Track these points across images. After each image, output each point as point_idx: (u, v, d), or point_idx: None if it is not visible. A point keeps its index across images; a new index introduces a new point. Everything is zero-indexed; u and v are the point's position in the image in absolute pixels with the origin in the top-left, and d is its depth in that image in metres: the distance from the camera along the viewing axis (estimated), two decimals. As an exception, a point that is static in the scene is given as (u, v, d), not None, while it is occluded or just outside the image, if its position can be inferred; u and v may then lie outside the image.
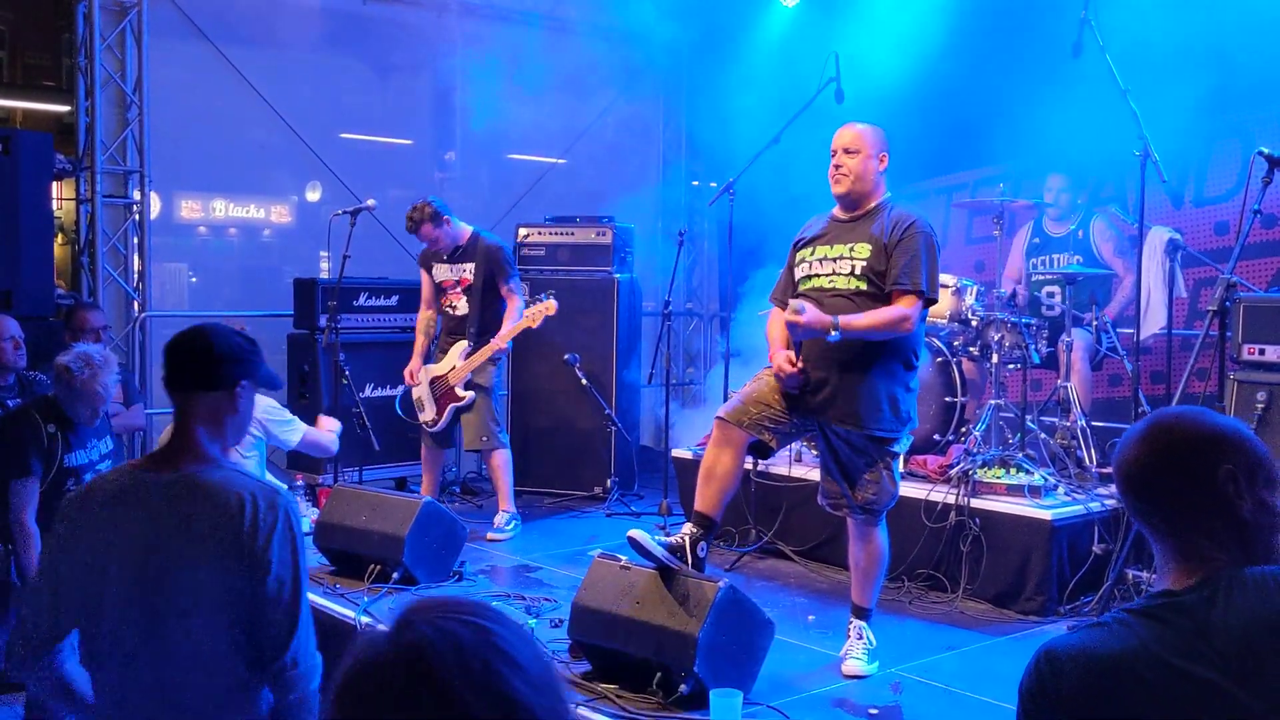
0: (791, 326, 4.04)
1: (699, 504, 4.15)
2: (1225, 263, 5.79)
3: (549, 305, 6.29)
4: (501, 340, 6.24)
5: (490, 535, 6.25)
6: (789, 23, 7.86)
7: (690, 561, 4.03)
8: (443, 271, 6.51)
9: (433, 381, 6.45)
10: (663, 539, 4.05)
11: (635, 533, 4.01)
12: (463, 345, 6.37)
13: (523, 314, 6.29)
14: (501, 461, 6.39)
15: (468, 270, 6.45)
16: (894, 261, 4.08)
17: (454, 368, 6.36)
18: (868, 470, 4.15)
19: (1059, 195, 6.26)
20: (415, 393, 6.57)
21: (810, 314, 3.98)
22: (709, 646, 3.75)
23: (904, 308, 4.06)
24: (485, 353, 6.28)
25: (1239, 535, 1.71)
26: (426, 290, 6.61)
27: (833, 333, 3.98)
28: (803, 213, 4.62)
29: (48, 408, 4.32)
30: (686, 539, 4.05)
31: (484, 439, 6.36)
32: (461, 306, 6.43)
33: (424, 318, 6.62)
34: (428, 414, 6.48)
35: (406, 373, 6.53)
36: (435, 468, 6.64)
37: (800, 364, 4.13)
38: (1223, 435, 1.75)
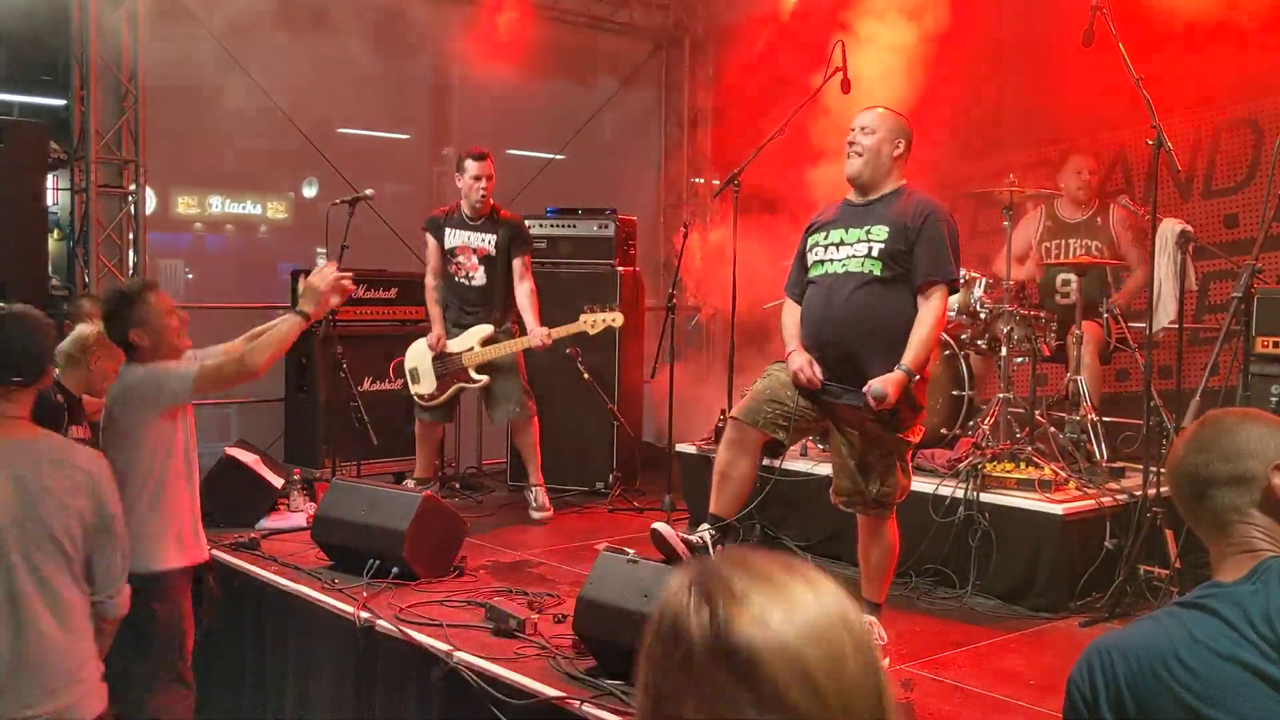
0: (885, 408, 3.90)
1: (715, 506, 4.08)
2: (1236, 255, 5.74)
3: (615, 317, 6.20)
4: (547, 339, 6.15)
5: (539, 515, 6.38)
6: (793, 13, 7.79)
7: None
8: (459, 237, 6.44)
9: (441, 356, 6.37)
10: (685, 536, 3.99)
11: (661, 526, 3.95)
12: (484, 330, 6.31)
13: (581, 319, 6.22)
14: (538, 431, 6.46)
15: (488, 241, 6.39)
16: (920, 253, 4.00)
17: (471, 349, 6.30)
18: (882, 461, 4.08)
19: (1087, 176, 6.17)
20: (411, 362, 6.50)
21: (891, 389, 3.84)
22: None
23: (939, 303, 4.00)
24: (518, 345, 6.24)
25: None
26: (434, 259, 6.53)
27: (913, 380, 3.91)
28: (810, 205, 4.56)
29: (53, 382, 4.37)
30: (708, 540, 3.98)
31: (519, 409, 6.36)
32: (479, 278, 6.39)
33: (433, 287, 6.54)
34: (424, 386, 6.42)
35: (434, 338, 6.43)
36: (431, 443, 6.59)
37: (815, 364, 4.05)
38: (1273, 434, 1.79)
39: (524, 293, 6.32)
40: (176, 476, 3.76)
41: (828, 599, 1.17)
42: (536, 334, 6.16)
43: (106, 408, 3.81)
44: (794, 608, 1.15)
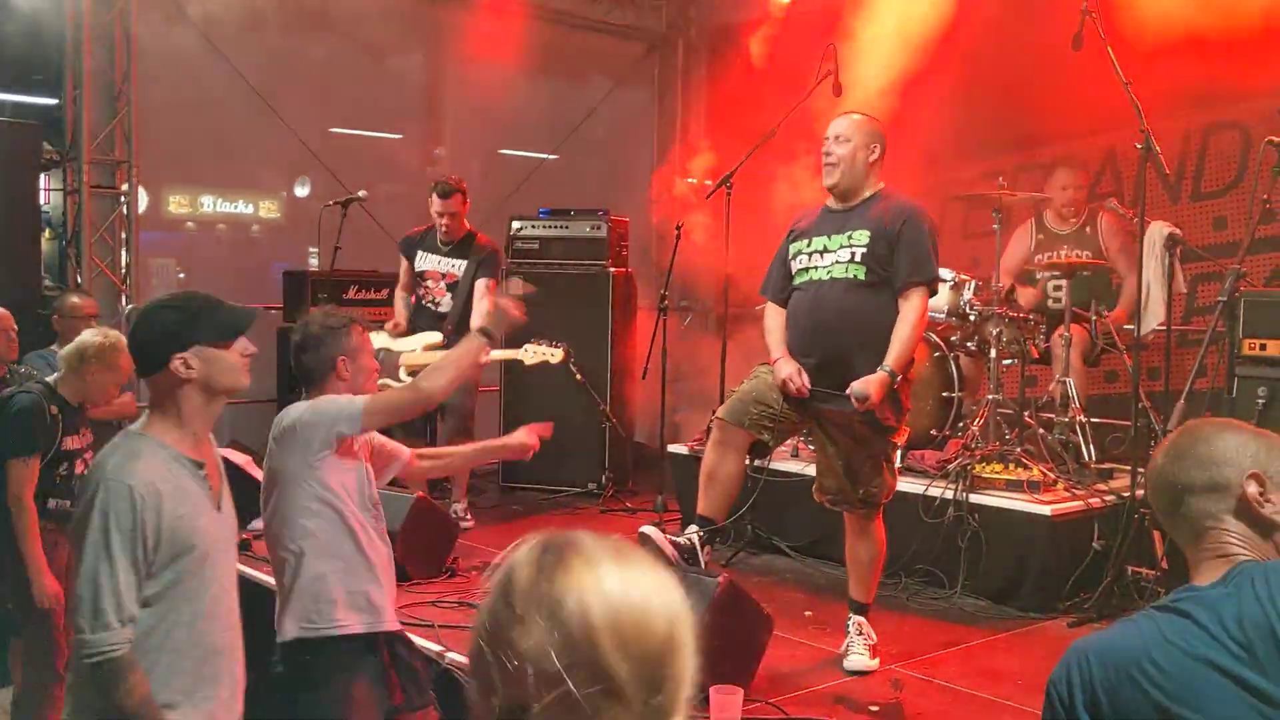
0: (870, 409, 3.95)
1: (702, 507, 4.10)
2: (1224, 258, 5.77)
3: (555, 354, 6.09)
4: (487, 358, 6.08)
5: (466, 525, 6.28)
6: (785, 14, 7.81)
7: (702, 564, 3.99)
8: (429, 261, 6.43)
9: (384, 353, 6.31)
10: (673, 538, 4.00)
11: (648, 529, 3.96)
12: (434, 337, 6.25)
13: (524, 348, 6.16)
14: None
15: (458, 267, 6.37)
16: (901, 255, 4.04)
17: (414, 350, 6.24)
18: (869, 461, 4.11)
19: (1073, 192, 6.20)
20: None
21: (873, 390, 3.89)
22: (707, 642, 3.68)
23: (919, 303, 4.04)
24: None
25: (1265, 533, 1.78)
26: (405, 276, 6.55)
27: (895, 380, 3.94)
28: (801, 206, 4.58)
29: (48, 391, 4.34)
30: (696, 540, 4.00)
31: (456, 428, 6.30)
32: (445, 304, 6.36)
33: (401, 297, 6.56)
34: None
35: (391, 324, 6.39)
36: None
37: (803, 372, 4.07)
38: (1248, 442, 1.82)
39: (480, 313, 6.23)
40: (353, 525, 3.19)
41: (668, 589, 1.24)
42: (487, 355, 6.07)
43: (270, 444, 3.27)
44: (632, 580, 1.22)
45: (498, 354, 6.13)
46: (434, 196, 6.34)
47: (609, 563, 1.23)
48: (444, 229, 6.34)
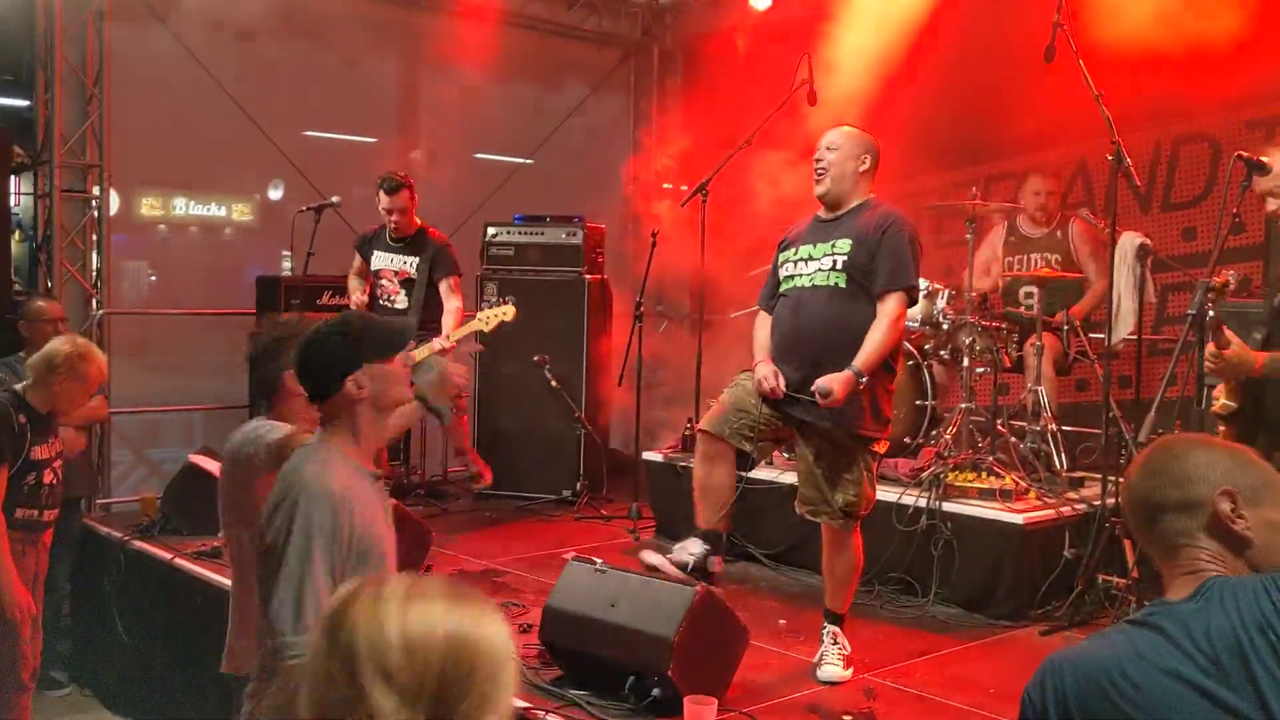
0: (832, 406, 3.96)
1: (701, 520, 4.13)
2: (1194, 268, 5.83)
3: (507, 311, 6.08)
4: (450, 342, 6.08)
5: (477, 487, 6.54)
6: (760, 24, 7.84)
7: (711, 581, 4.02)
8: (382, 260, 6.44)
9: None
10: (675, 559, 4.02)
11: (653, 557, 4.01)
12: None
13: (477, 316, 6.16)
14: (466, 426, 6.63)
15: (410, 264, 6.37)
16: (880, 262, 4.07)
17: None
18: (848, 471, 4.12)
19: (1045, 198, 6.26)
20: None
21: (837, 387, 3.91)
22: (684, 651, 3.70)
23: (894, 308, 4.06)
24: (422, 352, 6.03)
25: (1237, 550, 1.79)
26: (358, 264, 6.58)
27: (861, 381, 3.96)
28: (777, 216, 4.61)
29: (16, 399, 4.28)
30: (699, 555, 4.03)
31: (444, 415, 6.33)
32: (400, 301, 6.38)
33: (355, 280, 6.59)
34: None
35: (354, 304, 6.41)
36: None
37: (779, 374, 4.10)
38: (1220, 459, 1.84)
39: (450, 309, 6.26)
40: None
41: (453, 619, 1.33)
42: (438, 339, 6.08)
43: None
44: (412, 614, 1.32)
45: (460, 331, 6.13)
46: (380, 193, 6.31)
47: (396, 599, 1.33)
48: (393, 225, 6.35)
